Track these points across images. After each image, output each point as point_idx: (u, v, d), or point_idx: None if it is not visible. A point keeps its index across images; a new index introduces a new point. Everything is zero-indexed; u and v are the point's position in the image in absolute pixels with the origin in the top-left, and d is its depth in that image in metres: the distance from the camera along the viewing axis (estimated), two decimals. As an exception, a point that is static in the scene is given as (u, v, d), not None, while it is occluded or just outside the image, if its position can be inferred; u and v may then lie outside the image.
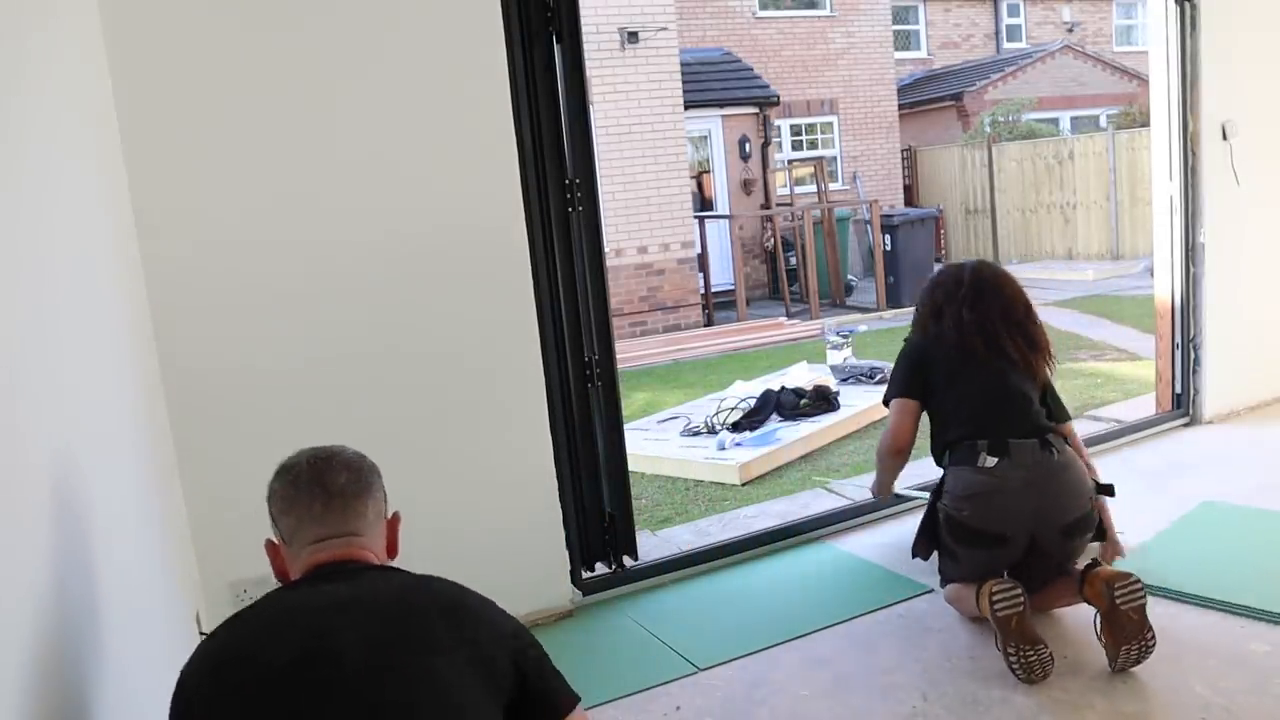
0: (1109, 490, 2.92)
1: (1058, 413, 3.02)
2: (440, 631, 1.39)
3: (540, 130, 3.13)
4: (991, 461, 2.77)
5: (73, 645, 1.50)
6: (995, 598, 2.59)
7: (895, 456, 3.18)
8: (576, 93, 3.19)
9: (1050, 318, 9.51)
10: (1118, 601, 2.53)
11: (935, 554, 3.03)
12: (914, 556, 3.05)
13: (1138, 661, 2.56)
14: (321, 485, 1.54)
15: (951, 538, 2.86)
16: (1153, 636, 2.54)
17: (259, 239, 2.78)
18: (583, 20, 3.19)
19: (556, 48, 3.14)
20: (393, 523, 1.65)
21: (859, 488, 4.50)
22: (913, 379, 3.05)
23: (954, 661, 2.76)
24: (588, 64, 3.28)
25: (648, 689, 2.77)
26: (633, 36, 10.47)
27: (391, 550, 1.64)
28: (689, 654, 2.94)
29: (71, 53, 2.19)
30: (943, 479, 2.94)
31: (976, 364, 2.93)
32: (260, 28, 2.73)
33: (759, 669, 2.83)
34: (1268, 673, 2.53)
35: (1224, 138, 4.61)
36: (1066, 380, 6.64)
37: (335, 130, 2.84)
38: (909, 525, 3.85)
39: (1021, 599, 2.58)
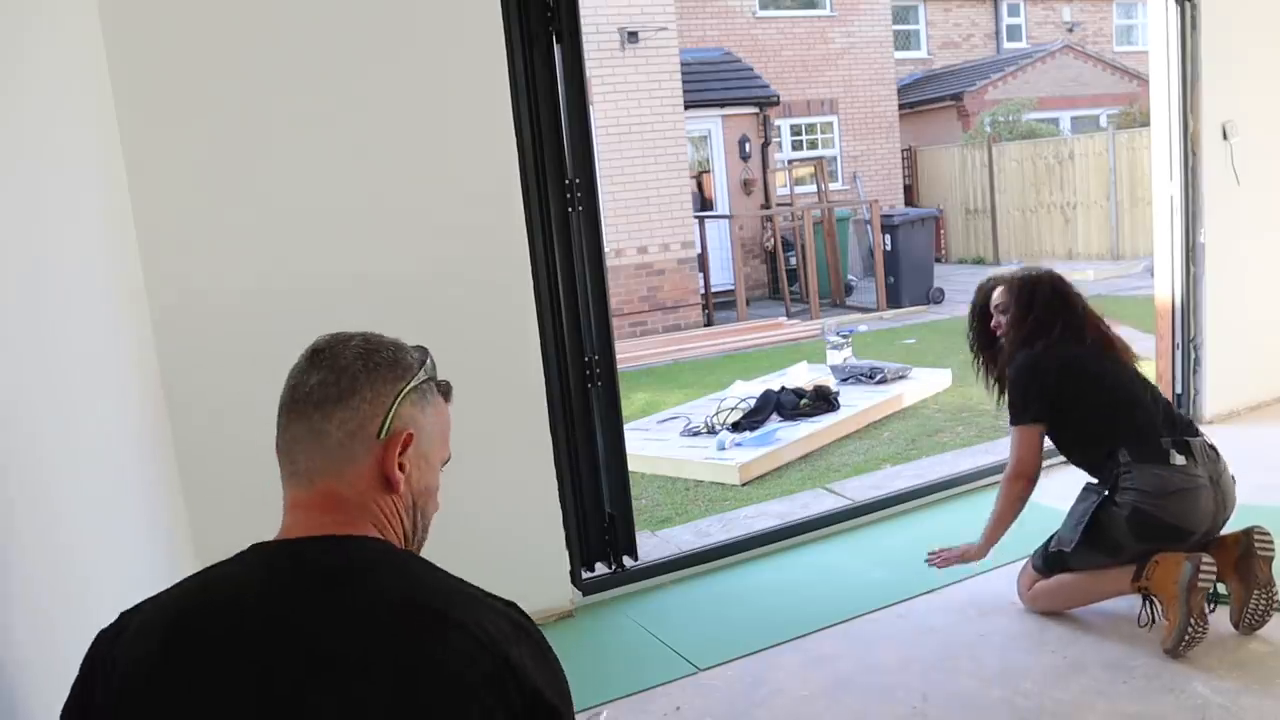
0: None
1: None
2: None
3: (540, 130, 3.13)
4: (1181, 460, 2.73)
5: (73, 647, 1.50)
6: (1204, 568, 2.61)
7: (1020, 481, 2.94)
8: (576, 93, 3.19)
9: (1050, 318, 9.52)
10: (1256, 548, 2.67)
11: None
12: (1066, 551, 2.86)
13: (1264, 617, 2.65)
14: (291, 388, 1.13)
15: (1135, 534, 2.74)
16: (1278, 592, 2.64)
17: (258, 237, 2.78)
18: (583, 20, 3.19)
19: (556, 48, 3.14)
20: (388, 445, 1.12)
21: (858, 488, 4.50)
22: (1039, 402, 2.90)
23: (954, 661, 2.76)
24: (588, 64, 3.28)
25: (648, 689, 2.76)
26: (633, 36, 10.47)
27: (390, 484, 1.12)
28: (689, 654, 2.94)
29: (70, 53, 2.19)
30: (1117, 477, 2.79)
31: (1107, 366, 2.90)
32: (257, 27, 2.73)
33: (759, 669, 2.83)
34: (1268, 673, 2.52)
35: (1224, 138, 4.61)
36: (1066, 380, 6.64)
37: (334, 130, 2.83)
38: (909, 526, 3.86)
39: (1216, 577, 2.65)
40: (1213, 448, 2.83)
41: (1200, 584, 2.62)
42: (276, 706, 0.96)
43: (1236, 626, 2.69)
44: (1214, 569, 2.64)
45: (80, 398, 1.78)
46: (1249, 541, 2.70)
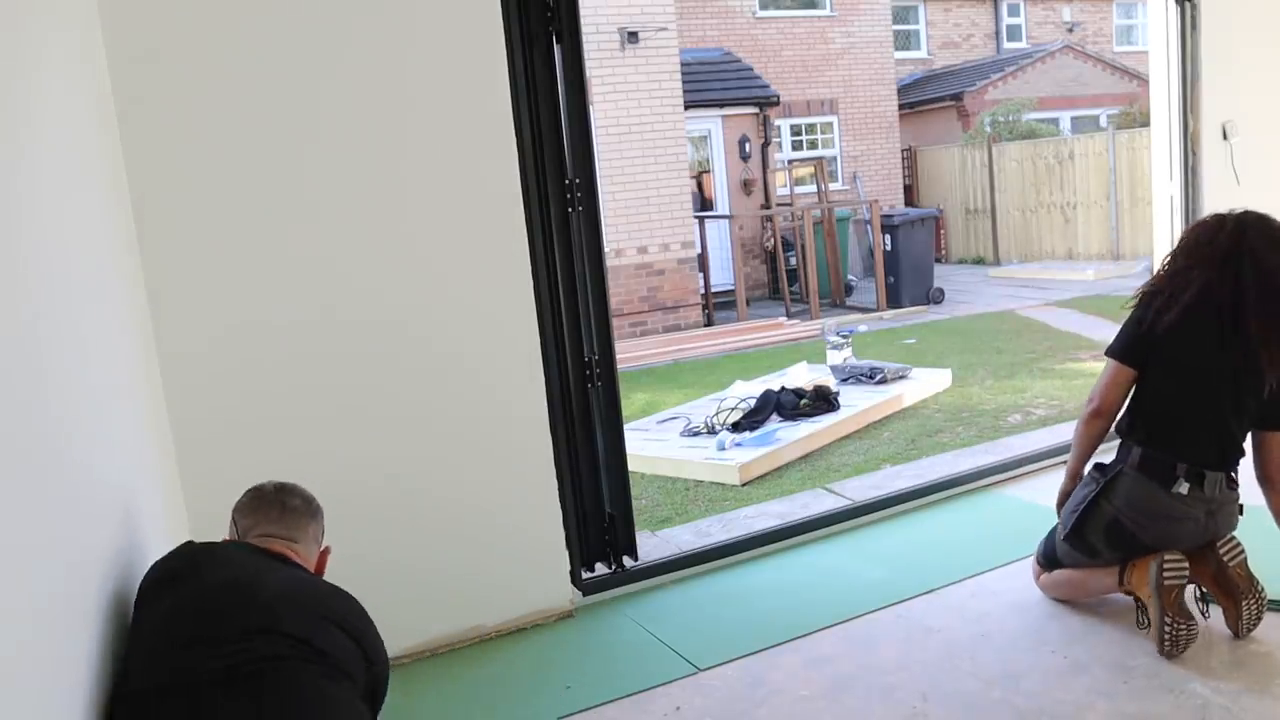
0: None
1: None
2: (336, 623, 1.75)
3: (540, 130, 3.13)
4: (1185, 488, 2.67)
5: (78, 644, 1.50)
6: (1167, 567, 2.60)
7: (1095, 419, 2.82)
8: (576, 93, 3.19)
9: (1050, 318, 9.53)
10: (1226, 560, 2.67)
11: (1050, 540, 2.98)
12: (1064, 539, 2.88)
13: (1258, 618, 2.66)
14: (280, 502, 2.01)
15: (1106, 539, 2.77)
16: (1263, 589, 2.66)
17: (259, 238, 2.77)
18: (583, 20, 3.19)
19: (556, 48, 3.14)
20: (324, 554, 2.05)
21: (858, 488, 4.50)
22: (1136, 346, 2.74)
23: (954, 661, 2.76)
24: (588, 64, 3.28)
25: (648, 689, 2.76)
26: (633, 36, 10.47)
27: (318, 574, 2.01)
28: (689, 654, 2.94)
29: (70, 52, 2.20)
30: (1118, 475, 2.75)
31: (1205, 356, 2.64)
32: (255, 28, 2.73)
33: (759, 669, 2.83)
34: (1268, 673, 2.53)
35: (1224, 138, 4.61)
36: (1068, 380, 6.64)
37: (333, 130, 2.83)
38: (909, 526, 3.86)
39: (1187, 574, 2.64)
40: (1232, 482, 2.73)
41: (1168, 581, 2.60)
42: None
43: (1236, 635, 2.68)
44: (1181, 564, 2.62)
45: (89, 396, 1.79)
46: (1216, 556, 2.69)
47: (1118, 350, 2.79)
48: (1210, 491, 2.69)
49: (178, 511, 2.63)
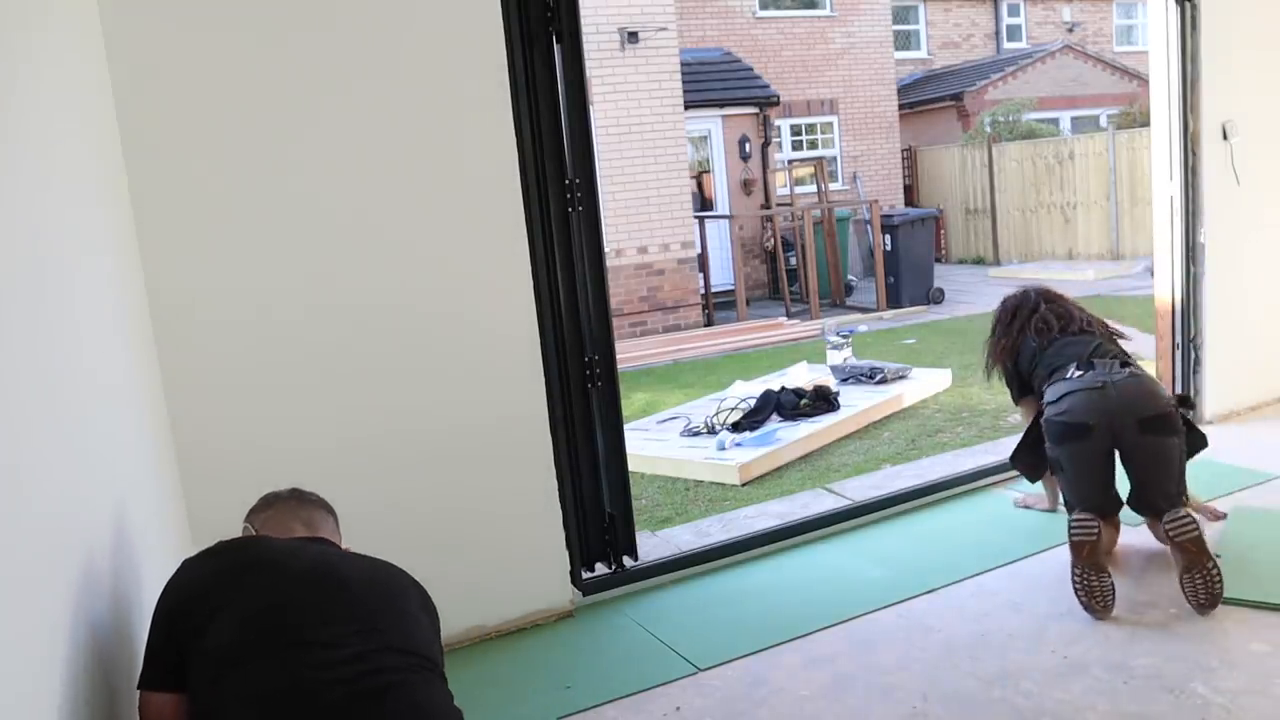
0: (1187, 401, 3.37)
1: None
2: (410, 591, 1.84)
3: (540, 130, 3.13)
4: (1078, 374, 3.24)
5: (85, 651, 1.50)
6: (1073, 524, 2.99)
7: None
8: (576, 93, 3.19)
9: (1050, 318, 9.51)
10: (1171, 535, 2.88)
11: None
12: (1013, 464, 3.69)
13: (1207, 594, 2.80)
14: (295, 497, 2.05)
15: (1051, 441, 3.25)
16: (1214, 567, 2.81)
17: (259, 237, 2.78)
18: (583, 20, 3.19)
19: (556, 48, 3.14)
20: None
21: (858, 488, 4.50)
22: (1019, 385, 3.60)
23: (954, 661, 2.76)
24: (588, 64, 3.28)
25: (648, 689, 2.77)
26: (633, 36, 10.47)
27: None
28: (689, 654, 2.94)
29: (71, 57, 2.20)
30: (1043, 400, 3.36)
31: (1059, 338, 3.45)
32: (255, 29, 2.73)
33: (759, 669, 2.83)
34: (1268, 673, 2.53)
35: (1224, 138, 4.61)
36: (1066, 380, 6.63)
37: (333, 132, 2.83)
38: (909, 526, 3.86)
39: (1095, 531, 2.96)
40: (1126, 366, 3.24)
41: (1072, 535, 2.97)
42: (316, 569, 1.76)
43: (1196, 610, 2.83)
44: (1086, 521, 2.97)
45: (90, 394, 1.79)
46: (1165, 531, 2.91)
47: (1015, 396, 3.67)
48: (1103, 368, 3.22)
49: (178, 514, 2.63)
